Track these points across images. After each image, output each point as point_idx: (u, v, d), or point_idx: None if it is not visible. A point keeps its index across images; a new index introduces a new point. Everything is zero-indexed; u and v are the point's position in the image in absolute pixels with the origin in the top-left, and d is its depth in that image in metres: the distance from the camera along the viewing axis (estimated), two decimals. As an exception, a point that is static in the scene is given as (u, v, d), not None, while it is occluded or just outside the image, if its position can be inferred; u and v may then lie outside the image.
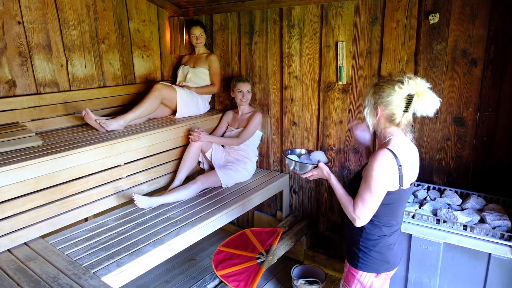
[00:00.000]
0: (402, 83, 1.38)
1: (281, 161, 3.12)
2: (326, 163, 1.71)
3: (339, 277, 2.84)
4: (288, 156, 1.85)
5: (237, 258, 2.44)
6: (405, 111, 1.40)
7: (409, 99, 1.38)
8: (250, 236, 2.71)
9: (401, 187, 1.46)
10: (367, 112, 1.51)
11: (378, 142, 1.57)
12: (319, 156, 1.82)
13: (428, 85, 1.40)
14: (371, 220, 1.49)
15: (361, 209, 1.45)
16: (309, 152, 1.93)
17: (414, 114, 1.43)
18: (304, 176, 1.73)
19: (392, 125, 1.47)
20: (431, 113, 1.39)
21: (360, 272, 1.58)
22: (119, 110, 2.99)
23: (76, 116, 2.75)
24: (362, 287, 1.59)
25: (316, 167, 1.69)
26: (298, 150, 1.96)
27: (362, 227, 1.52)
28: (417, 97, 1.36)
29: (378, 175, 1.40)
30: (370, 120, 1.52)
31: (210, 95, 3.31)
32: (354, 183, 1.56)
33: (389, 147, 1.43)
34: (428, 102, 1.37)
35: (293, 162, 1.77)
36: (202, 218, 2.34)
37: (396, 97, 1.39)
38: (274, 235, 2.67)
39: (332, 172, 1.66)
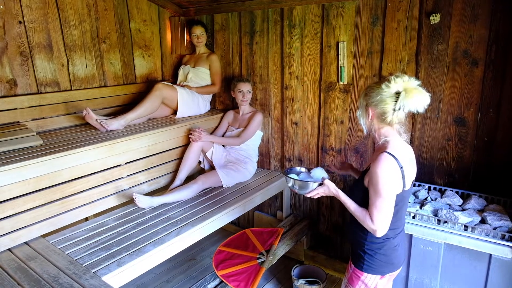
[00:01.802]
0: (389, 81, 1.41)
1: (281, 161, 3.12)
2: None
3: (339, 277, 2.84)
4: (289, 175, 1.78)
5: (238, 258, 2.44)
6: (395, 108, 1.42)
7: (398, 96, 1.40)
8: (251, 236, 2.71)
9: (405, 188, 1.47)
10: (359, 114, 1.55)
11: (375, 145, 1.57)
12: (320, 172, 1.77)
13: (417, 82, 1.42)
14: None
15: (378, 217, 1.43)
16: (308, 170, 1.87)
17: (410, 112, 1.42)
18: (309, 195, 1.67)
19: (385, 125, 1.48)
20: (421, 110, 1.40)
21: (365, 274, 1.57)
22: (120, 110, 2.99)
23: (77, 116, 2.76)
24: None
25: (321, 184, 1.65)
26: (298, 169, 1.91)
27: (367, 229, 1.51)
28: (405, 94, 1.38)
29: (384, 180, 1.40)
30: (363, 122, 1.54)
31: (211, 95, 3.31)
32: (356, 190, 1.56)
33: (388, 150, 1.43)
34: (417, 99, 1.37)
35: (292, 180, 1.72)
36: (203, 218, 2.34)
37: (385, 95, 1.42)
38: (274, 235, 2.67)
39: (339, 187, 1.62)
